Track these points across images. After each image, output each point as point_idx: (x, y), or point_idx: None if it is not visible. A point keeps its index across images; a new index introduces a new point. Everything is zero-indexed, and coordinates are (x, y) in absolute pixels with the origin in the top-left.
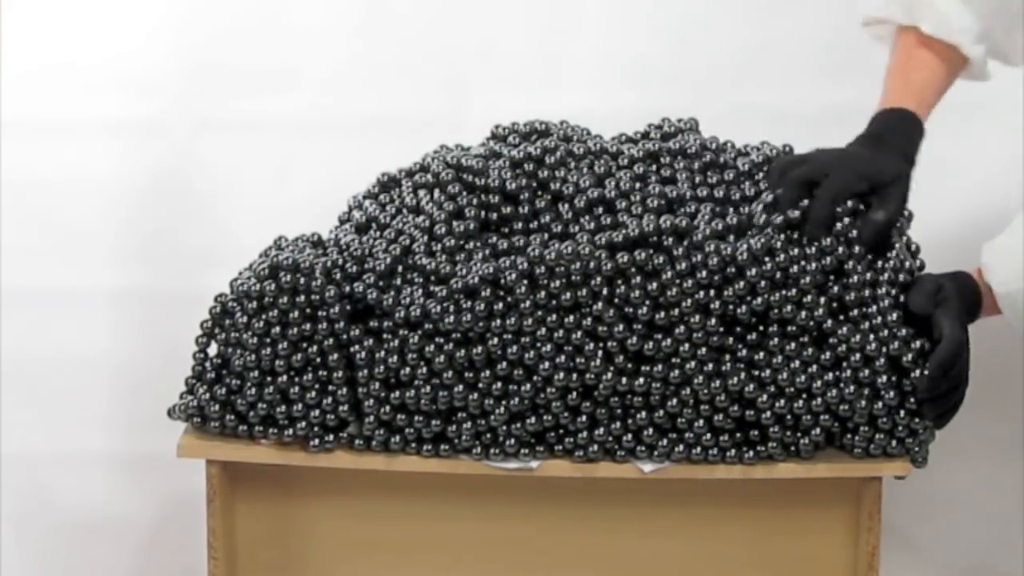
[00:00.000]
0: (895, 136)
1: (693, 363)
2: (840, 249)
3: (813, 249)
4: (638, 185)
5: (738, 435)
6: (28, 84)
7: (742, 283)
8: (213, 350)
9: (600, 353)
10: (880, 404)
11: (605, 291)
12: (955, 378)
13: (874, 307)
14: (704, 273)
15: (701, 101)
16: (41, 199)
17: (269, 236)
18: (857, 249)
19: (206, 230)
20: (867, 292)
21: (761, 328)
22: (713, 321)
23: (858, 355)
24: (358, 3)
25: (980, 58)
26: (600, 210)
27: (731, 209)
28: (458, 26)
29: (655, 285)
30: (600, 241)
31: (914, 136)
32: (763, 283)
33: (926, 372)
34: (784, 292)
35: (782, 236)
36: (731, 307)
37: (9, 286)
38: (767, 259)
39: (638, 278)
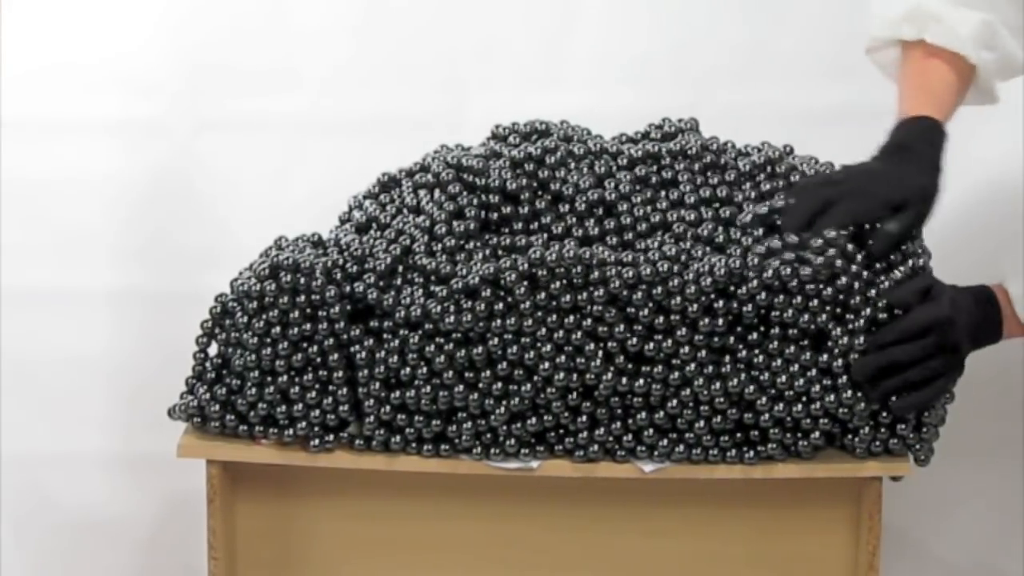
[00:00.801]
0: (921, 145)
1: (693, 365)
2: (839, 263)
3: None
4: (638, 187)
5: (738, 435)
6: (28, 84)
7: (744, 289)
8: (213, 350)
9: (600, 354)
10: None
11: (604, 292)
12: (896, 360)
13: (869, 309)
14: (709, 281)
15: (701, 101)
16: (41, 199)
17: (269, 236)
18: (859, 258)
19: (206, 230)
20: (869, 292)
21: (761, 329)
22: (720, 322)
23: (856, 356)
24: (358, 3)
25: (987, 67)
26: (600, 211)
27: (728, 211)
28: (458, 26)
29: (660, 290)
30: (609, 258)
31: (939, 143)
32: (763, 294)
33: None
34: (784, 296)
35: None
36: (733, 307)
37: (9, 286)
38: (766, 268)
39: (643, 285)
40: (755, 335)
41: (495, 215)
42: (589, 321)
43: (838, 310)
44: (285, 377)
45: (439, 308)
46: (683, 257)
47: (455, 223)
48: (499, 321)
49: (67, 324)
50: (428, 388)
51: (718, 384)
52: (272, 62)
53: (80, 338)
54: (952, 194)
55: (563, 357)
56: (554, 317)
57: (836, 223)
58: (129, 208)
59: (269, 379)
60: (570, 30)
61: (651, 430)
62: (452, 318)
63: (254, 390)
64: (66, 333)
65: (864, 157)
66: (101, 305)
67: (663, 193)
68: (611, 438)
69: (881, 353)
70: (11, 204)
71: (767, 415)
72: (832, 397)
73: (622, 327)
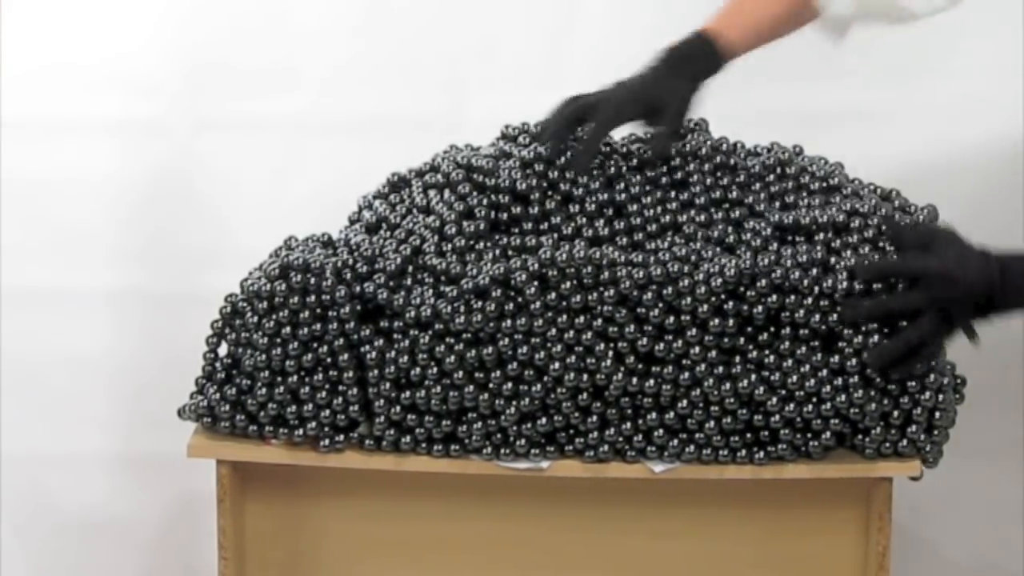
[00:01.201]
0: (689, 61)
1: (703, 365)
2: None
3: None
4: (648, 188)
5: (748, 436)
6: (28, 84)
7: (754, 289)
8: (223, 350)
9: (611, 354)
10: (887, 401)
11: (614, 292)
12: (888, 309)
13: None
14: (719, 281)
15: (701, 101)
16: (41, 199)
17: (269, 236)
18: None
19: (206, 230)
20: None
21: (772, 330)
22: (731, 323)
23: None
24: (358, 3)
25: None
26: (610, 211)
27: (739, 211)
28: (458, 26)
29: (670, 291)
30: (619, 258)
31: (711, 63)
32: (774, 295)
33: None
34: (794, 296)
35: (790, 251)
36: (743, 308)
37: (9, 286)
38: (776, 269)
39: (653, 285)
40: (765, 335)
41: (505, 215)
42: (599, 321)
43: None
44: (295, 377)
45: (449, 308)
46: (693, 258)
47: (465, 223)
48: (509, 321)
49: (67, 324)
50: (438, 388)
51: (728, 384)
52: (272, 62)
53: (80, 338)
54: (952, 195)
55: (573, 357)
56: (564, 317)
57: (595, 135)
58: (129, 208)
59: (279, 379)
60: (570, 30)
61: (661, 430)
62: (462, 318)
63: (264, 390)
64: (66, 333)
65: (865, 157)
66: (101, 305)
67: (673, 194)
68: (621, 438)
69: (874, 303)
70: (11, 204)
71: (777, 415)
72: (842, 397)
73: (632, 327)
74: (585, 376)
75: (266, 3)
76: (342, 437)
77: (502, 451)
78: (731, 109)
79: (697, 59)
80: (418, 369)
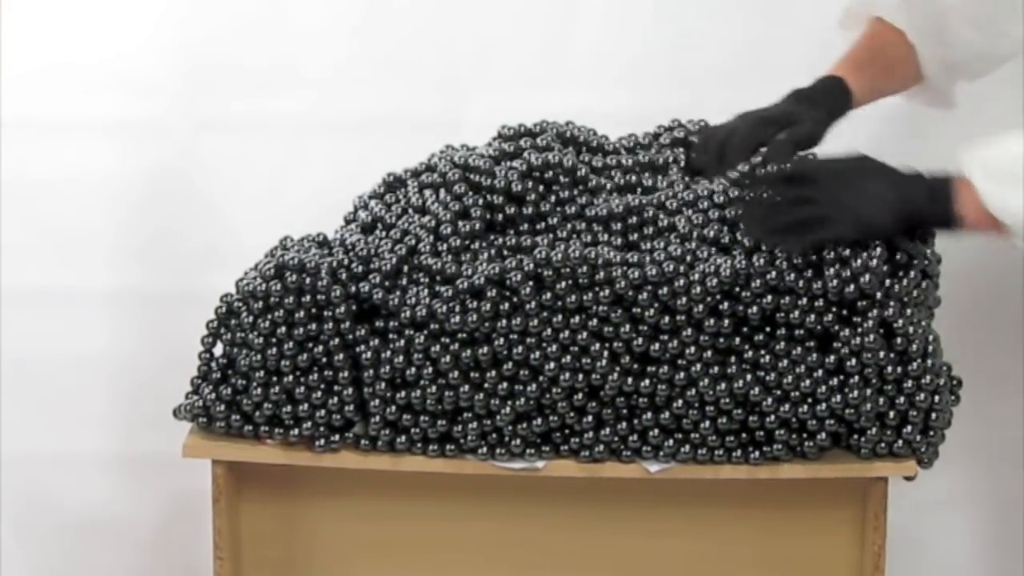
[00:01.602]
0: (820, 96)
1: (699, 365)
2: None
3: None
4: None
5: (744, 436)
6: (28, 84)
7: (748, 293)
8: (219, 350)
9: (606, 354)
10: (882, 400)
11: (609, 292)
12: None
13: (875, 310)
14: (715, 282)
15: (701, 101)
16: (41, 199)
17: (269, 236)
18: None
19: (206, 230)
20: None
21: (767, 330)
22: (726, 323)
23: (866, 355)
24: (358, 3)
25: (919, 37)
26: (604, 212)
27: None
28: (457, 26)
29: (665, 291)
30: (615, 258)
31: (840, 100)
32: (769, 296)
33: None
34: (789, 297)
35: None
36: (739, 308)
37: (9, 286)
38: (771, 270)
39: (649, 285)
40: (761, 336)
41: (500, 216)
42: (595, 321)
43: (844, 311)
44: (290, 377)
45: (444, 308)
46: (689, 258)
47: (460, 223)
48: (504, 321)
49: (67, 324)
50: (433, 388)
51: (724, 384)
52: (273, 61)
53: (80, 338)
54: None
55: (569, 357)
56: (560, 317)
57: (735, 152)
58: (129, 208)
59: (274, 379)
60: (570, 30)
61: (656, 430)
62: (457, 318)
63: (259, 390)
64: (66, 333)
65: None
66: (101, 305)
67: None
68: (616, 438)
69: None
70: (11, 204)
71: (773, 416)
72: (838, 398)
73: (628, 327)
74: (580, 376)
75: (266, 3)
76: (338, 437)
77: (497, 451)
78: (731, 108)
79: (828, 95)
80: (413, 369)
